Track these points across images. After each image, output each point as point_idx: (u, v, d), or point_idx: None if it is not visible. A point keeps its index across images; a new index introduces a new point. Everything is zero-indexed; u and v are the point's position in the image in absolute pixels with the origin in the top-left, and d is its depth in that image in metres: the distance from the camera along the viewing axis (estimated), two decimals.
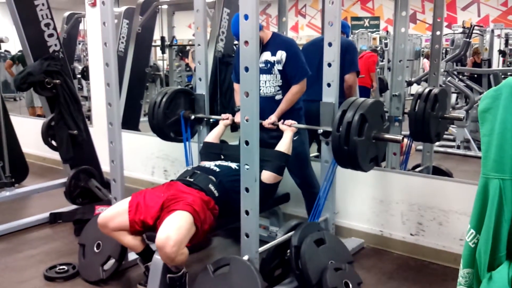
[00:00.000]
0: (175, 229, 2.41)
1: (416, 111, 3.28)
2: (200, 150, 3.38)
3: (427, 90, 3.32)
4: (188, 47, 9.08)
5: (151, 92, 8.30)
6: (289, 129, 2.98)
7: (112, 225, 2.64)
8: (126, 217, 2.62)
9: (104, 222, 2.66)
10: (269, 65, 3.11)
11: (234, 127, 3.54)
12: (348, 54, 3.61)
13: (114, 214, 2.65)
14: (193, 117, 3.41)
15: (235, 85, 3.37)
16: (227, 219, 2.78)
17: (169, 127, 3.37)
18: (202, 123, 3.50)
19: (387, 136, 2.53)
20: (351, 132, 2.42)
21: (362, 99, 2.53)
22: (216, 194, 2.73)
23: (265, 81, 3.14)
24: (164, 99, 3.30)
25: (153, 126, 3.36)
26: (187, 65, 8.82)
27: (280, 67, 3.10)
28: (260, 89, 3.11)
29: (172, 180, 2.91)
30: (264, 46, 3.12)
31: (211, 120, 3.50)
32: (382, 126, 2.54)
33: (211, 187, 2.75)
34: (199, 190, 2.70)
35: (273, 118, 3.07)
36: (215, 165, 2.96)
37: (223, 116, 3.33)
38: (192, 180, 2.78)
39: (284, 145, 2.93)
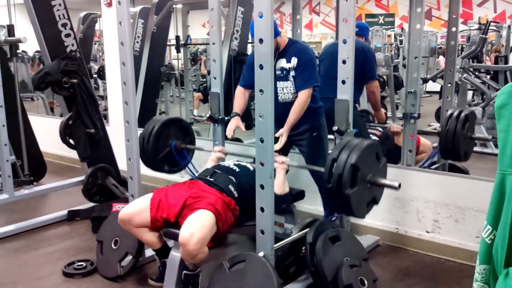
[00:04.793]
0: (199, 227, 2.45)
1: (447, 129, 3.34)
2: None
3: (457, 111, 3.40)
4: (199, 55, 9.16)
5: (166, 91, 8.35)
6: (279, 167, 2.78)
7: (134, 221, 2.68)
8: (147, 214, 2.66)
9: (125, 218, 2.70)
10: (285, 72, 3.12)
11: (249, 125, 3.55)
12: (368, 61, 3.77)
13: (136, 211, 2.69)
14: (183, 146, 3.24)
15: (238, 90, 3.35)
16: (243, 217, 2.80)
17: (161, 160, 3.18)
18: (217, 121, 3.52)
19: (382, 181, 2.34)
20: (343, 184, 2.20)
21: (356, 141, 2.30)
22: (236, 195, 2.75)
23: (283, 88, 3.15)
24: (152, 133, 3.08)
25: (145, 162, 3.15)
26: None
27: (294, 73, 3.11)
28: (278, 96, 3.14)
29: (192, 179, 2.93)
30: (281, 53, 3.12)
31: (226, 118, 3.51)
32: (378, 167, 2.35)
33: (231, 187, 2.76)
34: (220, 190, 2.72)
35: (284, 136, 3.00)
36: (234, 164, 2.98)
37: (215, 148, 3.28)
38: (212, 179, 2.80)
39: (278, 187, 2.74)
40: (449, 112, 3.44)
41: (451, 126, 3.33)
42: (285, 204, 2.87)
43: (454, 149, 3.35)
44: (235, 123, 3.18)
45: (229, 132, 3.16)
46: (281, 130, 3.02)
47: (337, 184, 2.20)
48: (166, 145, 3.17)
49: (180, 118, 3.41)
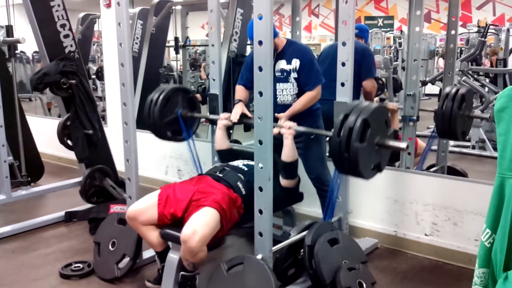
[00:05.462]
0: (202, 224, 2.46)
1: (444, 109, 3.28)
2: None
3: (454, 89, 3.30)
4: (200, 60, 9.17)
5: None
6: (287, 132, 2.81)
7: (142, 218, 2.67)
8: (155, 210, 2.66)
9: (133, 215, 2.69)
10: (285, 73, 3.11)
11: (247, 126, 3.53)
12: (365, 60, 3.72)
13: (144, 207, 2.69)
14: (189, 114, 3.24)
15: (238, 87, 3.33)
16: (247, 217, 2.78)
17: (166, 126, 3.16)
18: (216, 123, 3.50)
19: (391, 143, 2.37)
20: (353, 138, 2.24)
21: (366, 103, 2.39)
22: (243, 192, 2.76)
23: (282, 90, 3.14)
24: (160, 97, 3.08)
25: (149, 125, 3.14)
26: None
27: (295, 75, 3.09)
28: (277, 97, 3.13)
29: (201, 174, 2.94)
30: (279, 54, 3.10)
31: None
32: (386, 133, 2.41)
33: (239, 184, 2.78)
34: (228, 186, 2.74)
35: (283, 119, 2.98)
36: (243, 164, 2.99)
37: (222, 115, 3.20)
38: (221, 175, 2.82)
39: (287, 154, 2.82)
40: (446, 90, 3.34)
41: (447, 106, 3.23)
42: (294, 171, 2.87)
43: (451, 128, 3.26)
44: (240, 108, 3.11)
45: (235, 116, 3.09)
46: (281, 114, 3.00)
47: (347, 138, 2.23)
48: (173, 112, 3.14)
49: (188, 89, 3.40)
